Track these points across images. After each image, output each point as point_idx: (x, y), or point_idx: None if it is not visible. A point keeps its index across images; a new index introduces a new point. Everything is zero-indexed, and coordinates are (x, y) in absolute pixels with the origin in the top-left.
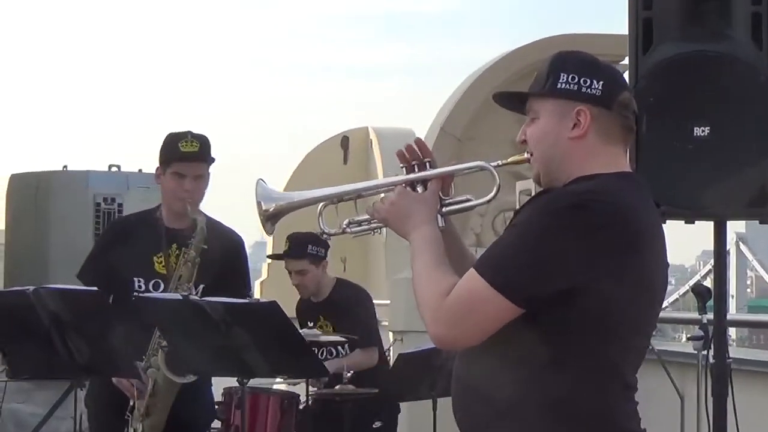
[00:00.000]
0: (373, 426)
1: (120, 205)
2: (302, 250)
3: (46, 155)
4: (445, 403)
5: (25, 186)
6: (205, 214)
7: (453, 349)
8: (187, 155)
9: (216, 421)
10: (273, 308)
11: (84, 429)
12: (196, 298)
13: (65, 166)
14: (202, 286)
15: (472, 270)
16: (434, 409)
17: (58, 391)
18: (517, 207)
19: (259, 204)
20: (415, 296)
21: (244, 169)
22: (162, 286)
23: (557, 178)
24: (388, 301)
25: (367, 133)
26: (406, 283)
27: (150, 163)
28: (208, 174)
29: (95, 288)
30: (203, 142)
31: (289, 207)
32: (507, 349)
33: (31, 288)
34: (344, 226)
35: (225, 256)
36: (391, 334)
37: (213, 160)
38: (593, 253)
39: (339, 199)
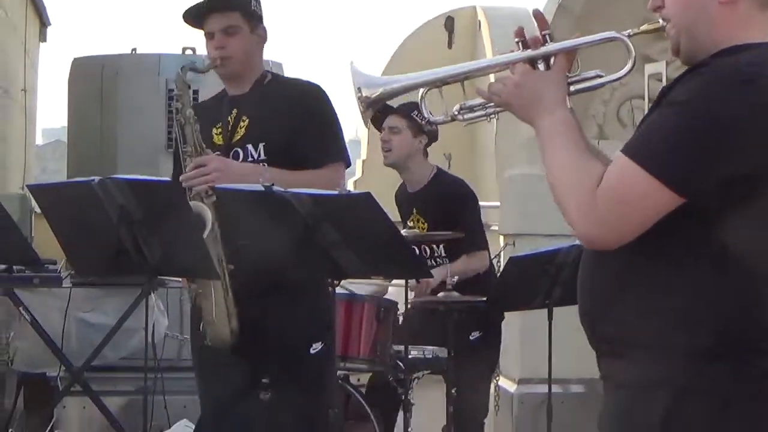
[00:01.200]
0: (470, 337)
1: (195, 92)
2: (407, 109)
3: (114, 38)
4: (563, 314)
5: (89, 72)
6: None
7: (604, 247)
8: (194, 11)
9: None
10: (367, 200)
11: (158, 341)
12: (281, 189)
13: (134, 50)
14: (262, 145)
15: (623, 157)
16: (549, 319)
17: (129, 298)
18: (646, 94)
19: (358, 90)
20: (554, 191)
21: (334, 55)
22: (229, 156)
23: (701, 48)
24: (498, 203)
25: (474, 12)
26: (519, 181)
27: None
28: (247, 26)
29: (168, 179)
30: None
31: (392, 92)
32: (657, 249)
33: (97, 179)
34: (455, 112)
35: (293, 106)
36: (501, 238)
37: (243, 7)
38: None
39: (444, 82)
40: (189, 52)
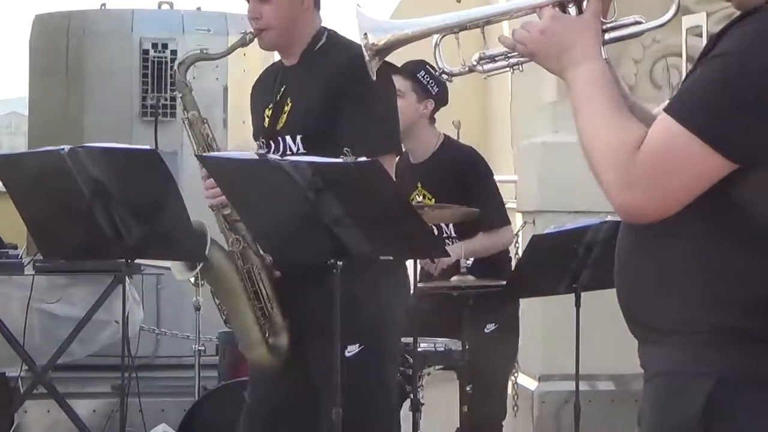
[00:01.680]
0: (486, 330)
1: (173, 52)
2: (412, 69)
3: None
4: (591, 300)
5: (52, 30)
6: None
7: (645, 219)
8: None
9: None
10: (377, 169)
11: (132, 336)
12: (276, 157)
13: (103, 5)
14: (300, 137)
15: (666, 117)
16: (577, 305)
17: (99, 287)
18: (684, 51)
19: (364, 36)
20: (588, 154)
21: (331, 8)
22: (271, 146)
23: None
24: (515, 177)
25: None
26: (538, 150)
27: (211, 0)
28: None
29: (149, 147)
30: None
31: (403, 38)
32: (706, 221)
33: (67, 148)
34: (474, 63)
35: (331, 83)
36: (519, 216)
37: None
38: None
39: (462, 27)
40: (165, 6)
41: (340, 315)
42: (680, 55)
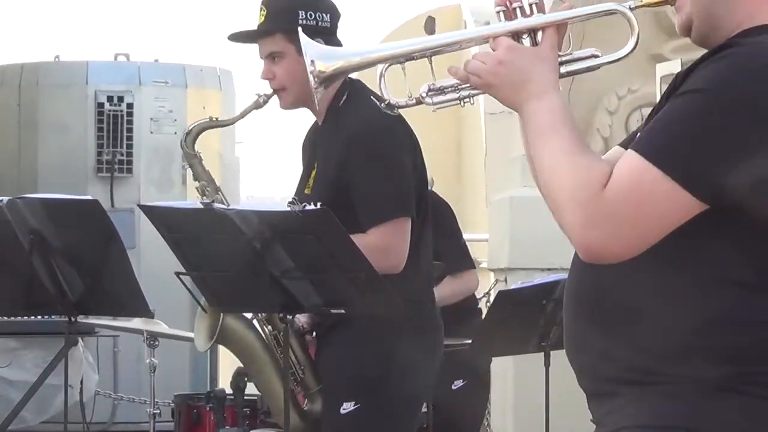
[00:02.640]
0: (453, 387)
1: (129, 105)
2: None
3: (33, 43)
4: (563, 359)
5: (6, 81)
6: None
7: (607, 260)
8: (238, 36)
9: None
10: (325, 217)
11: (87, 400)
12: (222, 206)
13: (57, 57)
14: (320, 204)
15: (634, 155)
16: (546, 365)
17: (52, 350)
18: (658, 99)
19: (311, 63)
20: (548, 190)
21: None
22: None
23: (719, 27)
24: (486, 235)
25: (459, 12)
26: (510, 205)
27: (168, 52)
28: (294, 46)
29: (89, 197)
30: (270, 6)
31: (351, 67)
32: (669, 265)
33: (5, 199)
34: (422, 94)
35: (341, 151)
36: (492, 274)
37: (286, 24)
38: None
39: (409, 57)
40: (121, 58)
41: (341, 371)
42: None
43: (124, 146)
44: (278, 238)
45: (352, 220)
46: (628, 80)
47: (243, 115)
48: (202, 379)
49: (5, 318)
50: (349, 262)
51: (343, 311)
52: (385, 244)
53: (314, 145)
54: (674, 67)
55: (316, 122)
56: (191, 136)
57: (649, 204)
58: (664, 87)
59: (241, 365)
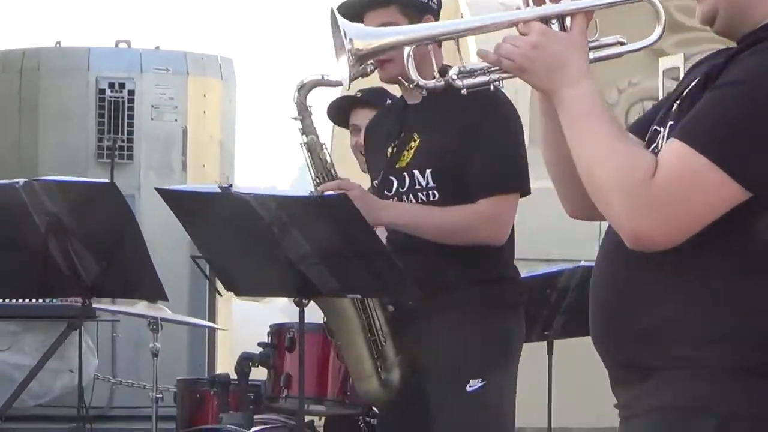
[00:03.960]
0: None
1: (131, 92)
2: (376, 100)
3: (33, 29)
4: (564, 347)
5: (4, 68)
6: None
7: (653, 248)
8: (348, 9)
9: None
10: (343, 203)
11: (86, 384)
12: (240, 191)
13: (58, 43)
14: (429, 171)
15: (680, 144)
16: (549, 353)
17: (52, 333)
18: (661, 94)
19: (350, 42)
20: (592, 178)
21: (291, 51)
22: (393, 182)
23: (746, 16)
24: None
25: (456, 5)
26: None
27: (170, 38)
28: (406, 21)
29: (106, 180)
30: None
31: (388, 45)
32: (711, 253)
33: (22, 181)
34: (452, 76)
35: (463, 118)
36: None
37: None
38: None
39: (437, 39)
40: (123, 45)
41: (464, 350)
42: (657, 99)
43: (125, 133)
44: (296, 223)
45: (459, 191)
46: (629, 74)
47: (352, 78)
48: (199, 364)
49: (7, 301)
50: (367, 248)
51: (359, 296)
52: (496, 215)
53: (404, 121)
54: (677, 61)
55: (394, 105)
56: (305, 89)
57: (698, 193)
58: (666, 81)
59: (247, 350)
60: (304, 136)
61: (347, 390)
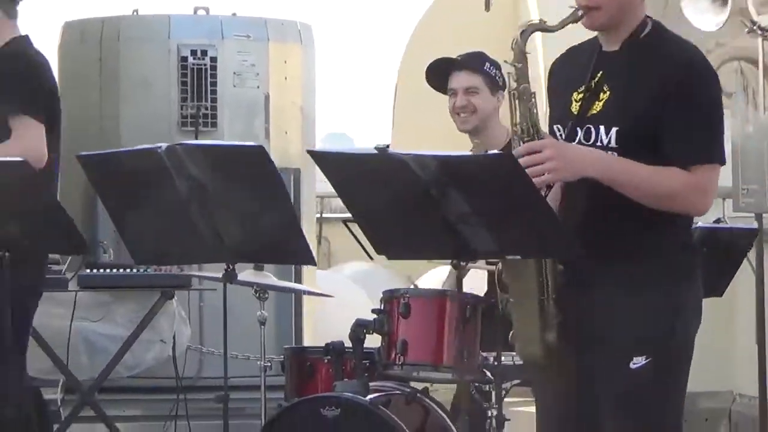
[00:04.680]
0: None
1: (213, 59)
2: (477, 63)
3: None
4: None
5: (84, 38)
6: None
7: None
8: None
9: None
10: (509, 162)
11: (179, 355)
12: (399, 151)
13: (136, 10)
14: (615, 129)
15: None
16: None
17: (144, 304)
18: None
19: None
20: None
21: (365, 15)
22: (577, 133)
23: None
24: None
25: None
26: None
27: (246, 5)
28: None
29: (255, 143)
30: None
31: None
32: None
33: (164, 145)
34: None
35: (661, 79)
36: None
37: None
38: None
39: None
40: (201, 12)
41: (628, 322)
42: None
43: (209, 100)
44: (456, 183)
45: (643, 157)
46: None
47: (563, 25)
48: (286, 333)
49: (100, 271)
50: (530, 207)
51: (519, 257)
52: (705, 185)
53: (597, 68)
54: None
55: (588, 46)
56: (526, 35)
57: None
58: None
59: (360, 317)
60: (516, 83)
61: (464, 357)
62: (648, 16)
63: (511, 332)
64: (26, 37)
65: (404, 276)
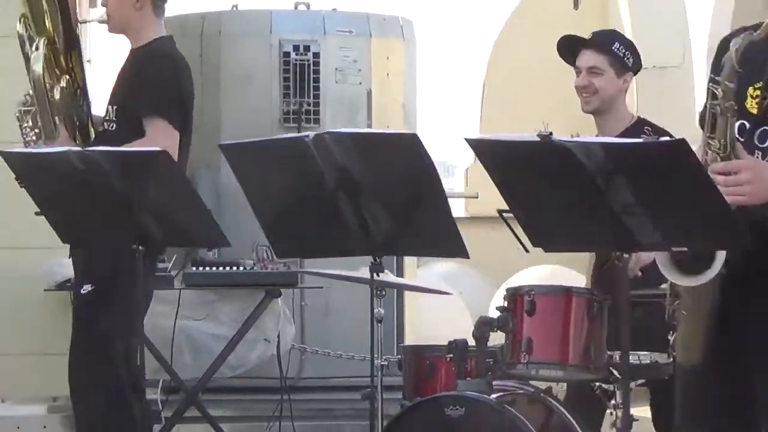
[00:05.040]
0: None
1: (316, 54)
2: (606, 43)
3: None
4: None
5: (185, 33)
6: None
7: None
8: None
9: None
10: (681, 149)
11: (283, 354)
12: (563, 138)
13: (235, 6)
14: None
15: None
16: None
17: (247, 302)
18: None
19: None
20: None
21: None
22: (755, 135)
23: None
24: None
25: None
26: None
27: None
28: None
29: (409, 131)
30: None
31: None
32: None
33: (312, 134)
34: None
35: None
36: None
37: None
38: None
39: None
40: (302, 8)
41: None
42: None
43: (311, 96)
44: (624, 171)
45: None
46: None
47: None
48: (388, 332)
49: (206, 269)
50: (702, 197)
51: (685, 249)
52: None
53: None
54: None
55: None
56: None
57: None
58: None
59: (485, 315)
60: (723, 99)
61: (591, 355)
62: None
63: (673, 336)
64: (170, 38)
65: (492, 277)
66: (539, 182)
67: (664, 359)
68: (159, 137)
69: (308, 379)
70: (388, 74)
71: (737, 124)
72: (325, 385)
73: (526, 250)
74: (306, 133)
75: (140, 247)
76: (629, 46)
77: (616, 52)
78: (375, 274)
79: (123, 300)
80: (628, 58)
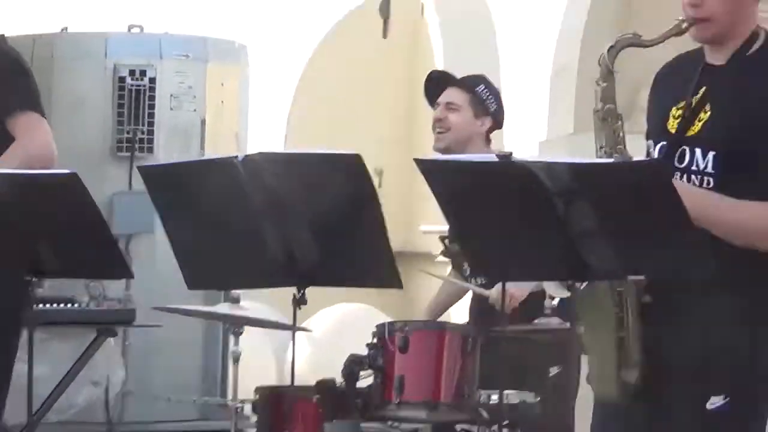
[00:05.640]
0: (549, 374)
1: (152, 80)
2: (472, 83)
3: (39, 14)
4: None
5: None
6: None
7: None
8: None
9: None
10: (660, 171)
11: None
12: (524, 159)
13: (65, 28)
14: (712, 154)
15: None
16: None
17: (80, 342)
18: None
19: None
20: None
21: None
22: (685, 154)
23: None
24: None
25: None
26: None
27: (181, 24)
28: None
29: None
30: None
31: None
32: None
33: (242, 155)
34: None
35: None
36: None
37: None
38: None
39: None
40: (135, 30)
41: (706, 356)
42: None
43: (146, 124)
44: (588, 194)
45: (740, 186)
46: None
47: (665, 37)
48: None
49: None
50: (671, 221)
51: (642, 278)
52: None
53: (701, 84)
54: None
55: (694, 57)
56: (615, 50)
57: None
58: None
59: (355, 352)
60: (602, 103)
61: (463, 393)
62: (762, 27)
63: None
64: (2, 37)
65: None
66: (491, 206)
67: (531, 398)
68: (36, 133)
69: (134, 423)
70: (222, 102)
71: (659, 145)
72: (152, 430)
73: (467, 280)
74: (235, 154)
75: (33, 279)
76: (495, 94)
77: (479, 94)
78: (297, 307)
79: None
80: (490, 103)
